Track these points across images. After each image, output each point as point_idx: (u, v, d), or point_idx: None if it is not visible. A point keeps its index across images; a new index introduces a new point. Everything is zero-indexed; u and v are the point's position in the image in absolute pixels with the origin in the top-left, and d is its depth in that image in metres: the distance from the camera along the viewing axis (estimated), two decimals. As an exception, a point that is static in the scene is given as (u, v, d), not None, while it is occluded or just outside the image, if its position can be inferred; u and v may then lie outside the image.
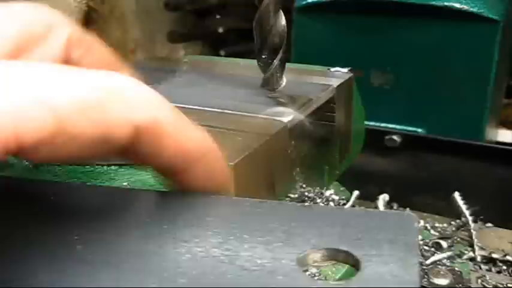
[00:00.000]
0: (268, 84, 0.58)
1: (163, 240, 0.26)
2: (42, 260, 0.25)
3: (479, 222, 0.76)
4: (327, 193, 0.63)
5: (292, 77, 0.60)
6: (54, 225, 0.27)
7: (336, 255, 0.26)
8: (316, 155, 0.63)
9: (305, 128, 0.56)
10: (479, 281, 0.63)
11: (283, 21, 0.55)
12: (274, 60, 0.56)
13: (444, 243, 0.68)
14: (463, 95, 0.99)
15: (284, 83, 0.58)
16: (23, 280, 0.23)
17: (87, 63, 0.34)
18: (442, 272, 0.60)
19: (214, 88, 0.60)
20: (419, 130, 1.04)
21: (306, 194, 0.62)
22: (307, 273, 0.51)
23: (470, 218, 0.72)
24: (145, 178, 0.39)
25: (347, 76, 0.63)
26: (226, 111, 0.51)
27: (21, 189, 0.32)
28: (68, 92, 0.24)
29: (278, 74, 0.57)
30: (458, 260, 0.66)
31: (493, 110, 1.04)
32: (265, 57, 0.56)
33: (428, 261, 0.63)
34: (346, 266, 0.51)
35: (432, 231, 0.73)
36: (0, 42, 0.31)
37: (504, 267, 0.66)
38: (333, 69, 0.65)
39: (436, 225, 0.75)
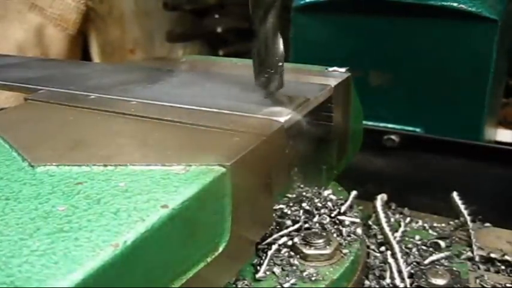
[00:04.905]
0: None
1: None
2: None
3: (478, 222, 0.76)
4: (325, 193, 0.63)
5: (290, 76, 0.60)
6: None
7: None
8: (314, 155, 0.63)
9: (302, 128, 0.55)
10: (478, 281, 0.63)
11: (281, 46, 0.53)
12: (273, 82, 0.55)
13: (442, 243, 0.68)
14: (462, 94, 0.99)
15: (282, 83, 0.58)
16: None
17: None
18: (440, 272, 0.60)
19: (212, 88, 0.60)
20: (418, 130, 1.04)
21: (304, 194, 0.62)
22: (305, 273, 0.51)
23: (468, 218, 0.72)
24: (142, 178, 0.39)
25: (345, 76, 0.63)
26: (223, 111, 0.51)
27: None
28: None
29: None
30: (457, 260, 0.66)
31: (491, 109, 1.04)
32: (264, 80, 0.55)
33: (426, 261, 0.63)
34: (344, 266, 0.52)
35: (430, 231, 0.73)
36: None
37: (503, 267, 0.66)
38: (330, 68, 0.65)
39: (435, 225, 0.75)
